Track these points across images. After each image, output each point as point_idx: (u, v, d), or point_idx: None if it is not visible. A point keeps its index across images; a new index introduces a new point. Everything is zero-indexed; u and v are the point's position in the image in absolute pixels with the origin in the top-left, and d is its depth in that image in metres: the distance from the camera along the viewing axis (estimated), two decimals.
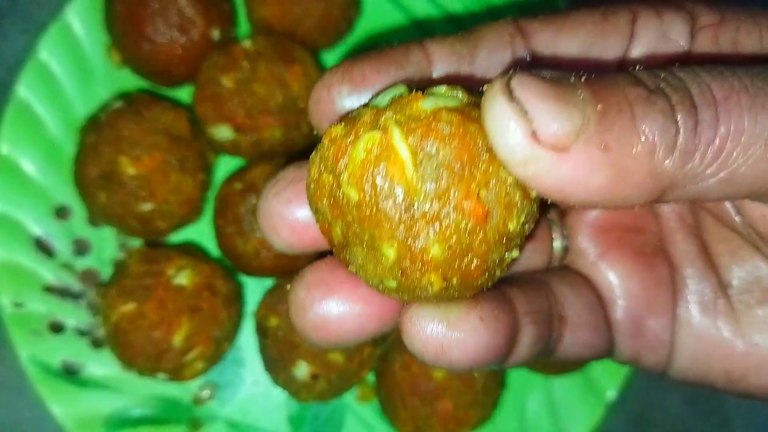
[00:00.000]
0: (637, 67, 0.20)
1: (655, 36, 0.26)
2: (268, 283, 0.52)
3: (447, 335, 0.21)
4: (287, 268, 0.49)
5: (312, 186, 0.21)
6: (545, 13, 0.27)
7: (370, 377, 0.51)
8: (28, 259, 0.50)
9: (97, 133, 0.46)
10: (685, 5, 0.26)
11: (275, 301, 0.47)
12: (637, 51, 0.26)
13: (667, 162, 0.19)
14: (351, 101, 0.24)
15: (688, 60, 0.25)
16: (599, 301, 0.27)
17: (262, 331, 0.48)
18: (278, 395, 0.52)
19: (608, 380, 0.54)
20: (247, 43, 0.48)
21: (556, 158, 0.18)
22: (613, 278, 0.27)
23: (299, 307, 0.24)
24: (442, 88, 0.21)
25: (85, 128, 0.48)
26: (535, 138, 0.18)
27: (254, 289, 0.53)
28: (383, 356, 0.49)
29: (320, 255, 0.25)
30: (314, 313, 0.23)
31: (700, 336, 0.26)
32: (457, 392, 0.46)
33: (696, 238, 0.27)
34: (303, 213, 0.24)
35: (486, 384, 0.47)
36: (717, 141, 0.19)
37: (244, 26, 0.56)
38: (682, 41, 0.25)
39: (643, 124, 0.19)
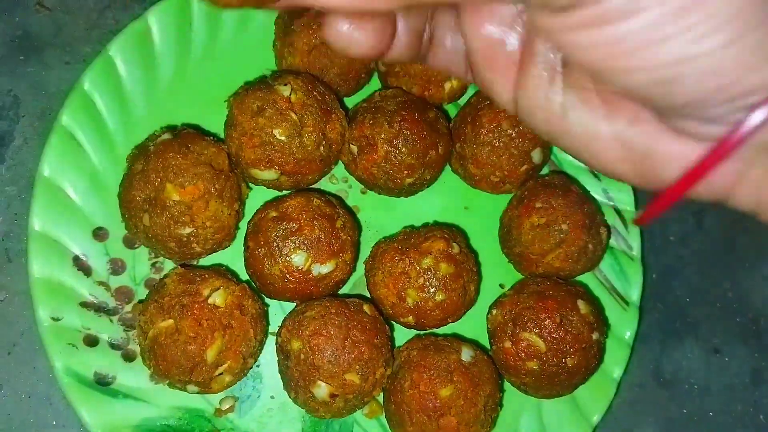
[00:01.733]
0: None
1: None
2: (287, 306, 0.57)
3: (352, 34, 0.29)
4: (307, 294, 0.54)
5: None
6: None
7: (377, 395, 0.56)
8: (67, 276, 0.54)
9: (146, 160, 0.50)
10: None
11: (297, 325, 0.51)
12: None
13: None
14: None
15: None
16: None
17: (284, 353, 0.52)
18: (293, 410, 0.56)
19: (593, 405, 0.60)
20: (287, 91, 0.53)
21: None
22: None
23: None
24: None
25: (133, 156, 0.53)
26: None
27: (274, 311, 0.58)
28: (392, 376, 0.54)
29: None
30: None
31: (533, 96, 0.31)
32: (461, 410, 0.51)
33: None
34: None
35: (487, 403, 0.52)
36: None
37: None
38: None
39: None
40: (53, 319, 0.53)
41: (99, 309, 0.55)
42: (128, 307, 0.55)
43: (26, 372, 0.57)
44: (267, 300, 0.57)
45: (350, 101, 0.63)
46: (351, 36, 0.30)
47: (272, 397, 0.57)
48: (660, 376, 0.68)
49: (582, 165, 0.65)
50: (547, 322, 0.53)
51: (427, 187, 0.61)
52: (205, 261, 0.57)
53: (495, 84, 0.32)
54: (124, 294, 0.56)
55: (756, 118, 0.25)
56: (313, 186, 0.59)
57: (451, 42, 0.34)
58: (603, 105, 0.29)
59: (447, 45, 0.34)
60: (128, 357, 0.54)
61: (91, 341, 0.54)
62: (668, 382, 0.68)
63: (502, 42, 0.31)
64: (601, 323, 0.56)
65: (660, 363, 0.68)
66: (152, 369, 0.50)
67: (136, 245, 0.56)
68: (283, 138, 0.52)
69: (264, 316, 0.54)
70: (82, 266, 0.55)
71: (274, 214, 0.52)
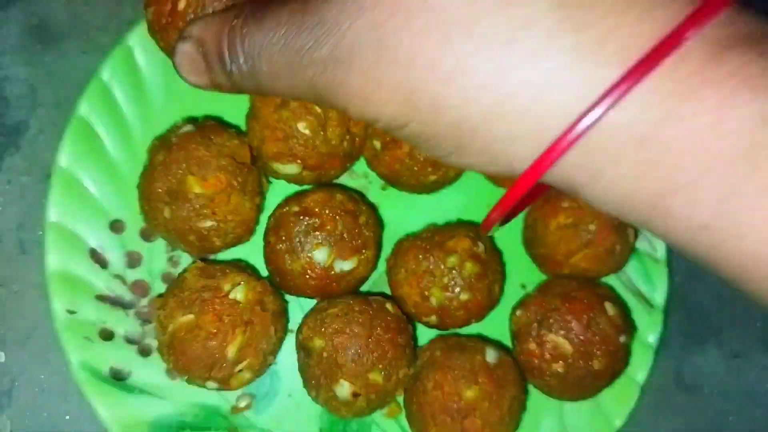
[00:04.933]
0: None
1: None
2: (305, 303, 0.56)
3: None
4: (328, 291, 0.53)
5: None
6: None
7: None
8: (83, 268, 0.53)
9: (167, 152, 0.49)
10: None
11: (319, 323, 0.50)
12: None
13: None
14: None
15: None
16: None
17: (305, 351, 0.51)
18: (310, 408, 0.55)
19: (617, 409, 0.59)
20: None
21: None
22: None
23: None
24: None
25: (155, 147, 0.52)
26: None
27: (292, 308, 0.57)
28: (414, 376, 0.53)
29: None
30: None
31: None
32: (486, 412, 0.49)
33: None
34: None
35: (511, 405, 0.51)
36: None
37: None
38: None
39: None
40: (69, 312, 0.52)
41: (115, 302, 0.54)
42: (144, 301, 0.54)
43: (40, 366, 0.56)
44: (286, 297, 0.56)
45: None
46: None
47: (289, 396, 0.56)
48: (681, 381, 0.67)
49: None
50: (573, 324, 0.52)
51: (450, 184, 0.60)
52: (223, 256, 0.56)
53: None
54: (140, 287, 0.55)
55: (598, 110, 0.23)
56: (334, 181, 0.58)
57: None
58: None
59: None
60: (144, 352, 0.53)
61: (107, 335, 0.53)
62: (688, 386, 0.67)
63: None
64: (628, 326, 0.55)
65: (681, 367, 0.67)
66: (171, 364, 0.49)
67: (153, 238, 0.55)
68: (307, 132, 0.50)
69: (284, 313, 0.53)
70: (98, 259, 0.54)
71: (296, 208, 0.51)
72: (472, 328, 0.58)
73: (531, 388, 0.57)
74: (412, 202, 0.61)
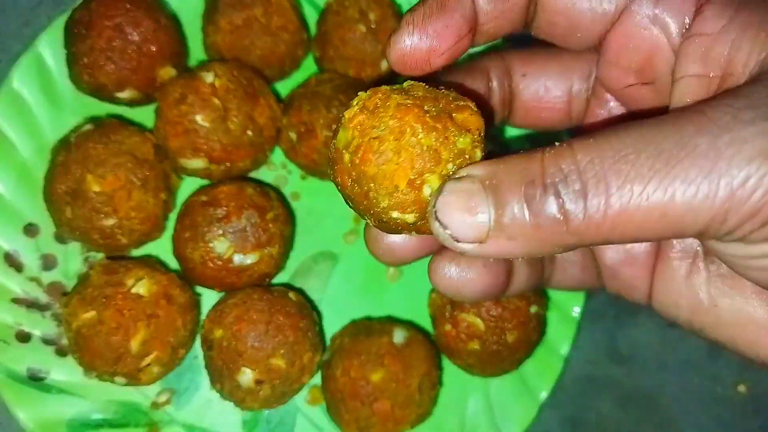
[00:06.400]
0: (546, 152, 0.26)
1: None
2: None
3: (461, 276, 0.33)
4: (228, 283, 0.53)
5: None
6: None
7: (319, 381, 0.55)
8: None
9: (67, 152, 0.50)
10: None
11: (218, 314, 0.51)
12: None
13: (564, 238, 0.26)
14: None
15: None
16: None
17: (207, 343, 0.51)
18: None
19: (541, 381, 0.59)
20: (210, 77, 0.52)
21: (478, 247, 0.27)
22: None
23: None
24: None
25: (56, 148, 0.52)
26: (457, 240, 0.27)
27: (211, 301, 0.57)
28: (327, 363, 0.53)
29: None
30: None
31: (673, 289, 0.32)
32: (393, 393, 0.50)
33: None
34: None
35: (421, 384, 0.51)
36: (601, 214, 0.25)
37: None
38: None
39: (538, 218, 0.25)
40: None
41: (31, 305, 0.54)
42: (60, 303, 0.55)
43: None
44: (206, 293, 0.56)
45: (286, 87, 0.62)
46: (461, 278, 0.33)
47: (212, 389, 0.56)
48: (615, 353, 0.67)
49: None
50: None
51: None
52: (138, 253, 0.56)
53: (633, 280, 0.35)
54: (56, 289, 0.55)
55: None
56: (251, 174, 0.59)
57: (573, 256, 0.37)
58: (757, 293, 0.30)
59: (568, 265, 0.37)
60: (61, 352, 0.54)
61: (24, 337, 0.54)
62: (624, 358, 0.67)
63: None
64: (539, 297, 0.55)
65: (615, 339, 0.68)
66: (78, 361, 0.49)
67: (68, 240, 0.56)
68: (206, 124, 0.51)
69: (195, 306, 0.53)
70: (13, 262, 0.55)
71: (204, 198, 0.52)
72: (393, 312, 0.58)
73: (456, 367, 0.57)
74: (333, 189, 0.61)
